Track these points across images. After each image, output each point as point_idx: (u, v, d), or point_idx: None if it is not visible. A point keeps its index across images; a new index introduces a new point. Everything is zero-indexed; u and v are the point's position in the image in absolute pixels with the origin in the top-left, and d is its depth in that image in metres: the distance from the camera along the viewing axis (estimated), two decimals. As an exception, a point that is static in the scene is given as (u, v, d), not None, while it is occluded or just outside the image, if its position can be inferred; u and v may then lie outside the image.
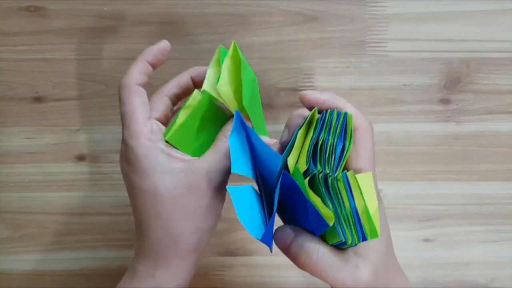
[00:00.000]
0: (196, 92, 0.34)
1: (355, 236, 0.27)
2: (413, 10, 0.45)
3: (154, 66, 0.35)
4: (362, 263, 0.30)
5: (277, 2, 0.45)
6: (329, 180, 0.28)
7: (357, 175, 0.28)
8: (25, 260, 0.48)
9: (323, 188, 0.28)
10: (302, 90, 0.46)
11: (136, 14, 0.45)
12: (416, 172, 0.47)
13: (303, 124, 0.30)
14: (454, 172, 0.47)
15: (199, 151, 0.34)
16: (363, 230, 0.27)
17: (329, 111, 0.30)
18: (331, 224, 0.27)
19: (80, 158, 0.47)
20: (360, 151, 0.31)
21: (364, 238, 0.27)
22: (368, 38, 0.45)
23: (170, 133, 0.33)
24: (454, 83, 0.46)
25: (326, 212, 0.27)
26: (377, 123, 0.47)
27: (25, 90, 0.46)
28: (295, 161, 0.29)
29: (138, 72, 0.34)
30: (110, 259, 0.48)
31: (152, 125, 0.33)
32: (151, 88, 0.46)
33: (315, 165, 0.29)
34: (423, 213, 0.48)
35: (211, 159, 0.32)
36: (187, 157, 0.32)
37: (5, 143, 0.47)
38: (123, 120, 0.32)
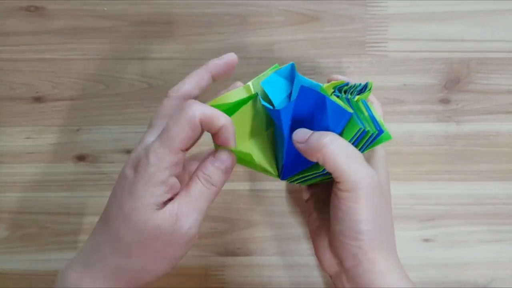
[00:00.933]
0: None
1: (372, 127, 0.31)
2: (413, 10, 0.45)
3: (215, 78, 0.34)
4: (372, 170, 0.31)
5: (277, 2, 0.45)
6: (351, 100, 0.33)
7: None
8: (24, 260, 0.48)
9: (345, 101, 0.32)
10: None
11: (136, 14, 0.45)
12: (416, 172, 0.47)
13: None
14: (454, 172, 0.47)
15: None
16: (379, 124, 0.31)
17: (353, 83, 0.36)
18: (349, 111, 0.30)
19: (80, 158, 0.47)
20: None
21: (381, 130, 0.31)
22: (368, 38, 0.46)
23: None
24: (454, 83, 0.46)
25: (346, 106, 0.31)
26: (377, 123, 0.47)
27: (25, 90, 0.46)
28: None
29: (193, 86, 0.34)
30: (110, 259, 0.48)
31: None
32: (150, 88, 0.46)
33: (340, 94, 0.34)
34: (423, 213, 0.48)
35: (187, 207, 0.30)
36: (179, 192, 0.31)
37: (5, 143, 0.47)
38: (166, 132, 0.30)
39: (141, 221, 0.29)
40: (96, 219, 0.47)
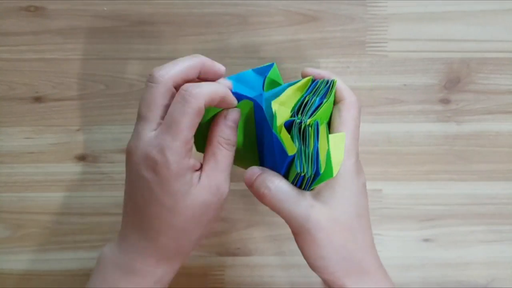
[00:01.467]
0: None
1: (310, 168, 0.30)
2: (413, 10, 0.45)
3: (198, 76, 0.33)
4: (318, 206, 0.31)
5: (277, 2, 0.45)
6: (302, 125, 0.31)
7: (330, 134, 0.32)
8: (25, 260, 0.48)
9: (296, 130, 0.31)
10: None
11: (136, 14, 0.45)
12: (416, 172, 0.47)
13: (294, 83, 0.34)
14: (454, 172, 0.47)
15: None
16: (319, 165, 0.30)
17: (320, 80, 0.35)
18: (289, 154, 0.30)
19: (80, 158, 0.47)
20: (344, 119, 0.34)
21: (318, 172, 0.30)
22: (368, 38, 0.46)
23: None
24: (454, 83, 0.46)
25: (289, 144, 0.31)
26: (377, 123, 0.47)
27: (25, 90, 0.46)
28: (277, 106, 0.33)
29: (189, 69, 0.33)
30: (110, 259, 0.48)
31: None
32: (151, 88, 0.46)
33: (297, 116, 0.33)
34: (423, 213, 0.48)
35: (222, 175, 0.33)
36: (200, 168, 0.33)
37: (5, 143, 0.47)
38: (175, 126, 0.30)
39: (188, 206, 0.31)
40: (96, 219, 0.48)
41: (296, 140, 0.31)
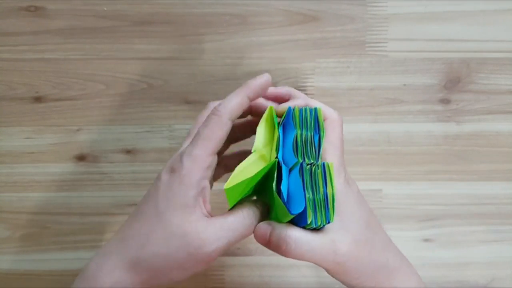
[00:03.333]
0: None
1: (323, 218, 0.30)
2: (413, 10, 0.45)
3: (251, 100, 0.34)
4: (338, 236, 0.31)
5: (277, 2, 0.45)
6: (313, 168, 0.31)
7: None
8: (25, 260, 0.48)
9: (308, 176, 0.31)
10: (302, 89, 0.46)
11: (136, 14, 0.45)
12: (416, 172, 0.47)
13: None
14: (454, 172, 0.47)
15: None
16: (329, 213, 0.30)
17: (297, 109, 0.34)
18: (309, 220, 0.30)
19: (80, 158, 0.47)
20: (331, 138, 0.34)
21: (328, 221, 0.30)
22: (368, 38, 0.46)
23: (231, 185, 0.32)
24: (454, 83, 0.46)
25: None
26: (377, 123, 0.47)
27: (25, 90, 0.46)
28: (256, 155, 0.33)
29: (237, 104, 0.33)
30: (110, 259, 0.48)
31: (212, 162, 0.33)
32: (150, 89, 0.46)
33: (296, 157, 0.32)
34: (423, 213, 0.48)
35: (216, 227, 0.32)
36: (210, 214, 0.33)
37: (5, 143, 0.47)
38: (197, 137, 0.32)
39: (174, 223, 0.31)
40: (96, 219, 0.48)
41: (309, 187, 0.31)
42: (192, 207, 0.31)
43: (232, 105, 0.32)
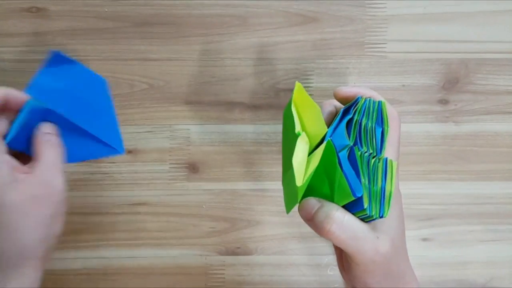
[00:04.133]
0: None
1: (377, 211, 0.30)
2: (412, 11, 0.45)
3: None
4: (381, 235, 0.31)
5: (277, 3, 0.45)
6: (372, 160, 0.31)
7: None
8: (26, 260, 0.48)
9: (365, 165, 0.31)
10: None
11: (136, 15, 0.45)
12: (415, 172, 0.48)
13: (346, 113, 0.33)
14: (452, 172, 0.48)
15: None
16: (384, 208, 0.30)
17: (363, 98, 0.33)
18: (360, 194, 0.29)
19: (81, 158, 0.47)
20: (392, 139, 0.33)
21: (382, 215, 0.30)
22: (367, 39, 0.46)
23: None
24: (452, 84, 0.47)
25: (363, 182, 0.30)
26: (376, 123, 0.47)
27: (26, 91, 0.46)
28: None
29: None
30: (111, 258, 0.48)
31: None
32: (151, 89, 0.47)
33: (361, 146, 0.32)
34: (421, 212, 0.48)
35: (51, 171, 0.33)
36: (30, 169, 0.33)
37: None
38: None
39: (15, 200, 0.31)
40: (96, 218, 0.48)
41: (366, 176, 0.31)
42: (21, 181, 0.32)
43: None
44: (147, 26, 0.45)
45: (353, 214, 0.31)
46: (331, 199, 0.31)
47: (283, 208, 0.47)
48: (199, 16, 0.45)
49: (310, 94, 0.46)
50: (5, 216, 0.31)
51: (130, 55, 0.46)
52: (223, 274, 0.48)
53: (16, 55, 0.46)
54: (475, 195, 0.48)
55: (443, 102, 0.47)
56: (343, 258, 0.34)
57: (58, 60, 0.38)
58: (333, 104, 0.36)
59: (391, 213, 0.31)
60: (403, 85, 0.46)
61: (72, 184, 0.47)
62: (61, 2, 0.45)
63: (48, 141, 0.34)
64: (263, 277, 0.49)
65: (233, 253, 0.48)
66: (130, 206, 0.48)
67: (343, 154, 0.31)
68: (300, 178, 0.29)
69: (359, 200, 0.30)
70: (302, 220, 0.48)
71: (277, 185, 0.47)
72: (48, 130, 0.35)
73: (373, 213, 0.30)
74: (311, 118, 0.33)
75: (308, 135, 0.33)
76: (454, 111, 0.47)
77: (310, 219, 0.31)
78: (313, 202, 0.31)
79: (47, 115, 0.35)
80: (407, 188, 0.48)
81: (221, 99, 0.46)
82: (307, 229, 0.47)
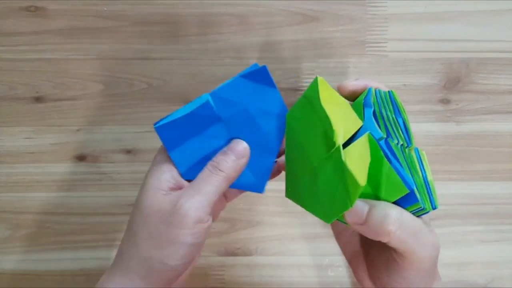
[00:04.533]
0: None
1: (429, 203, 0.28)
2: (413, 10, 0.45)
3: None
4: (431, 229, 0.29)
5: (277, 2, 0.45)
6: (406, 150, 0.30)
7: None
8: (25, 260, 0.48)
9: (402, 157, 0.29)
10: (302, 90, 0.46)
11: (136, 14, 0.45)
12: (416, 172, 0.47)
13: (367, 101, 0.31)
14: (453, 172, 0.47)
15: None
16: (433, 199, 0.28)
17: (374, 89, 0.32)
18: (412, 189, 0.27)
19: (80, 158, 0.47)
20: None
21: (434, 207, 0.28)
22: (368, 38, 0.46)
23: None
24: (453, 83, 0.46)
25: (407, 173, 0.28)
26: (377, 123, 0.47)
27: (25, 90, 0.46)
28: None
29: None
30: (110, 259, 0.48)
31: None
32: (150, 89, 0.46)
33: (392, 137, 0.30)
34: (422, 213, 0.48)
35: (188, 191, 0.31)
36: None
37: (5, 143, 0.47)
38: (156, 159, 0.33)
39: (147, 205, 0.31)
40: (96, 218, 0.48)
41: (407, 168, 0.29)
42: (167, 190, 0.31)
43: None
44: (147, 25, 0.45)
45: (405, 209, 0.28)
46: (374, 197, 0.29)
47: (283, 208, 0.47)
48: (199, 15, 0.45)
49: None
50: (133, 215, 0.32)
51: (129, 54, 0.45)
52: (223, 275, 0.48)
53: (15, 54, 0.45)
54: (476, 195, 0.48)
55: (444, 101, 0.47)
56: (377, 264, 0.31)
57: (259, 76, 0.32)
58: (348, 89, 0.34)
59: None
60: (404, 85, 0.46)
61: (71, 184, 0.47)
62: (60, 1, 0.45)
63: (212, 170, 0.31)
64: (263, 278, 0.48)
65: (233, 254, 0.48)
66: (130, 206, 0.48)
67: (384, 147, 0.28)
68: (362, 177, 0.26)
69: (410, 193, 0.28)
70: (302, 221, 0.48)
71: (277, 185, 0.47)
72: (219, 163, 0.32)
73: (426, 206, 0.28)
74: (339, 113, 0.29)
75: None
76: (455, 110, 0.47)
77: (363, 223, 0.28)
78: (360, 204, 0.28)
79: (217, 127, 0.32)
80: (408, 188, 0.48)
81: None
82: (307, 230, 0.47)
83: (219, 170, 0.31)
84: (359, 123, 0.30)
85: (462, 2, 0.45)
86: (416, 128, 0.47)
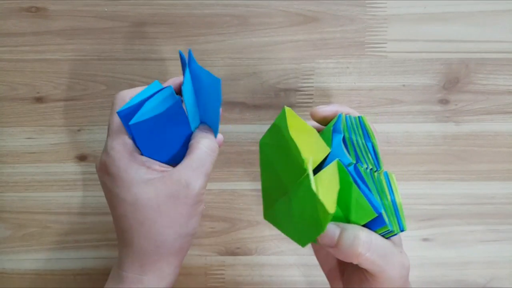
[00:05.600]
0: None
1: (397, 226, 0.30)
2: (412, 11, 0.45)
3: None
4: (401, 249, 0.31)
5: (277, 3, 0.45)
6: (375, 174, 0.31)
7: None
8: (26, 260, 0.48)
9: (371, 181, 0.30)
10: (302, 90, 0.46)
11: (136, 15, 0.45)
12: (415, 172, 0.48)
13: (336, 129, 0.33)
14: (453, 172, 0.48)
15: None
16: (401, 221, 0.30)
17: (344, 114, 0.34)
18: (380, 212, 0.29)
19: (81, 158, 0.47)
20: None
21: (402, 229, 0.30)
22: (368, 38, 0.46)
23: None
24: (453, 84, 0.47)
25: (376, 197, 0.30)
26: (377, 123, 0.47)
27: (26, 91, 0.46)
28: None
29: (136, 90, 0.35)
30: (111, 258, 0.48)
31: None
32: (151, 88, 0.46)
33: (361, 162, 0.32)
34: (422, 212, 0.48)
35: (189, 167, 0.33)
36: (166, 168, 0.34)
37: (6, 143, 0.47)
38: (110, 130, 0.34)
39: (151, 198, 0.32)
40: (97, 218, 0.48)
41: (375, 192, 0.30)
42: (157, 177, 0.32)
43: (132, 89, 0.35)
44: (147, 25, 0.45)
45: (375, 232, 0.30)
46: (346, 220, 0.30)
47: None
48: (199, 15, 0.45)
49: (310, 94, 0.46)
50: (140, 213, 0.32)
51: (129, 55, 0.46)
52: (223, 274, 0.48)
53: (16, 55, 0.46)
54: (476, 195, 0.48)
55: (444, 102, 0.47)
56: (351, 282, 0.33)
57: (183, 59, 0.36)
58: (315, 124, 0.36)
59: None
60: (404, 85, 0.46)
61: (72, 184, 0.47)
62: (60, 2, 0.45)
63: (207, 152, 0.34)
64: (263, 277, 0.49)
65: (233, 253, 0.48)
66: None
67: (353, 173, 0.30)
68: (331, 204, 0.27)
69: (378, 217, 0.29)
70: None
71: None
72: (212, 144, 0.34)
73: (394, 228, 0.29)
74: (307, 141, 0.30)
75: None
76: (454, 111, 0.47)
77: (335, 245, 0.29)
78: (332, 227, 0.30)
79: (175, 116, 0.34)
80: (408, 188, 0.48)
81: (222, 99, 0.46)
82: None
83: (211, 151, 0.34)
84: (327, 150, 0.31)
85: (461, 3, 0.45)
86: (416, 128, 0.47)
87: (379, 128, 0.47)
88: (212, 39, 0.45)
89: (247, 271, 0.49)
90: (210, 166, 0.33)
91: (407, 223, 0.48)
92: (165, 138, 0.34)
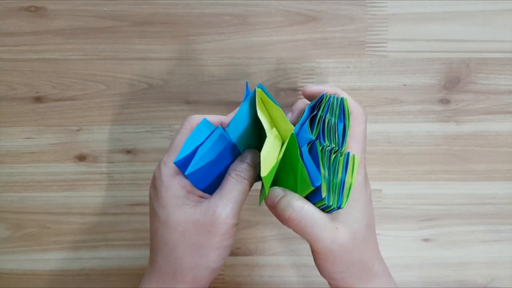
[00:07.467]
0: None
1: (335, 202, 0.32)
2: (413, 11, 0.45)
3: (224, 125, 0.36)
4: (341, 227, 0.32)
5: (277, 2, 0.45)
6: (333, 154, 0.33)
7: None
8: (25, 260, 0.48)
9: (326, 158, 0.33)
10: (301, 90, 0.46)
11: (136, 14, 0.45)
12: (416, 172, 0.47)
13: (313, 106, 0.35)
14: (453, 172, 0.47)
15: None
16: (342, 199, 0.32)
17: (328, 95, 0.35)
18: (319, 183, 0.31)
19: (81, 158, 0.47)
20: (355, 134, 0.34)
21: (340, 206, 0.32)
22: (368, 38, 0.46)
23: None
24: (453, 83, 0.46)
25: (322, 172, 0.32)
26: (377, 123, 0.47)
27: (25, 90, 0.46)
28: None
29: (211, 117, 0.35)
30: (110, 259, 0.48)
31: None
32: (150, 89, 0.46)
33: (324, 140, 0.33)
34: (422, 213, 0.48)
35: (217, 195, 0.33)
36: (205, 195, 0.34)
37: (5, 143, 0.47)
38: (170, 146, 0.34)
39: (180, 221, 0.32)
40: (96, 218, 0.48)
41: (326, 168, 0.32)
42: (190, 204, 0.33)
43: (206, 115, 0.35)
44: (147, 25, 0.45)
45: (314, 204, 0.32)
46: (295, 190, 0.33)
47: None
48: (198, 15, 0.45)
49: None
50: (167, 233, 0.32)
51: (129, 54, 0.45)
52: (223, 274, 0.48)
53: (15, 54, 0.45)
54: (476, 195, 0.48)
55: (444, 101, 0.47)
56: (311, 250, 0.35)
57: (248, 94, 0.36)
58: (305, 102, 0.37)
59: (355, 206, 0.33)
60: (404, 85, 0.46)
61: (71, 184, 0.47)
62: (60, 1, 0.45)
63: (237, 179, 0.34)
64: (263, 277, 0.48)
65: (233, 253, 0.48)
66: (130, 206, 0.48)
67: (305, 147, 0.32)
68: (265, 169, 0.31)
69: (318, 190, 0.31)
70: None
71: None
72: (242, 172, 0.34)
73: (331, 203, 0.32)
74: (277, 118, 0.34)
75: (279, 133, 0.34)
76: (455, 110, 0.47)
77: (273, 207, 0.33)
78: (277, 191, 0.33)
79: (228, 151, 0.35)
80: (408, 188, 0.48)
81: (221, 98, 0.46)
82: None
83: (243, 178, 0.34)
84: (292, 127, 0.33)
85: (462, 2, 0.45)
86: (416, 128, 0.47)
87: (379, 128, 0.47)
88: (211, 38, 0.45)
89: (247, 272, 0.48)
90: (239, 194, 0.33)
91: (407, 223, 0.48)
92: (218, 174, 0.35)
